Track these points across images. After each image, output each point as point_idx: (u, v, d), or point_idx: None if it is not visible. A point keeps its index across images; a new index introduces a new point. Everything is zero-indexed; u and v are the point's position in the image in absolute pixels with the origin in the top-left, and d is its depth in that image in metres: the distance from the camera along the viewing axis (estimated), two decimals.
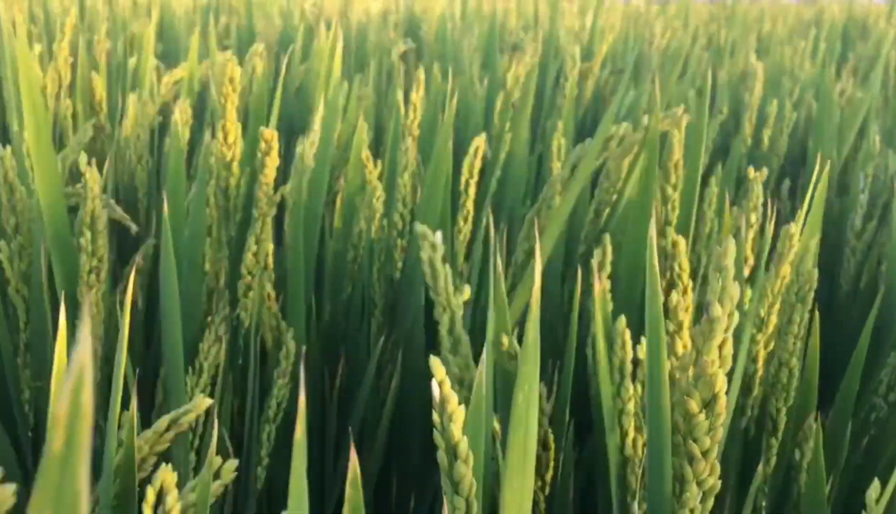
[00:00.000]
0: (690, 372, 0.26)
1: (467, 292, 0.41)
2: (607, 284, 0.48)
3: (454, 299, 0.39)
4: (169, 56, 1.31)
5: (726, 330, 0.25)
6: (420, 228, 0.36)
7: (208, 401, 0.28)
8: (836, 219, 0.84)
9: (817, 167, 0.46)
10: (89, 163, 0.47)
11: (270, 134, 0.45)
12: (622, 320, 0.45)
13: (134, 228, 0.56)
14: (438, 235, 0.36)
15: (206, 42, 1.07)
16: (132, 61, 0.87)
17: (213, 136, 0.49)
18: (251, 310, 0.52)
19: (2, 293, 0.52)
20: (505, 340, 0.39)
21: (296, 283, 0.56)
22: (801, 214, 0.46)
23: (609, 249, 0.48)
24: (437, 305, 0.38)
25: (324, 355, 0.66)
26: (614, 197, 0.65)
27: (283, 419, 0.53)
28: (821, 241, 0.83)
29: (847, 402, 0.47)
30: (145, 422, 0.38)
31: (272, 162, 0.46)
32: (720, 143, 0.97)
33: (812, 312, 0.49)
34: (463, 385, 0.42)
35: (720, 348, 0.26)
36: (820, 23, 2.49)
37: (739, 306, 0.45)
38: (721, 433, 0.29)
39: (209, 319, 0.53)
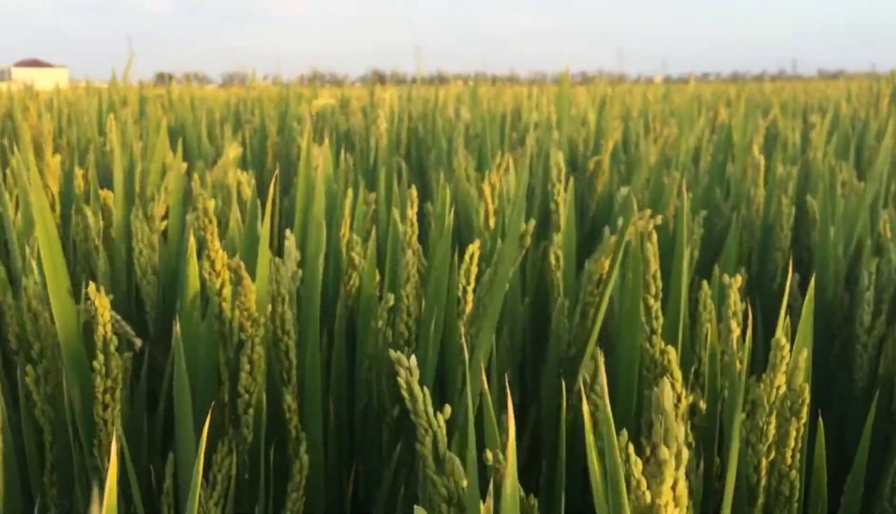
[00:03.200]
0: None
1: (448, 410, 0.41)
2: (601, 401, 0.48)
3: (434, 420, 0.39)
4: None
5: (677, 469, 0.25)
6: (393, 354, 0.37)
7: None
8: (847, 314, 0.83)
9: (810, 287, 0.47)
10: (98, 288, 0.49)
11: (236, 263, 0.47)
12: (624, 435, 0.44)
13: (138, 343, 0.58)
14: (413, 359, 0.37)
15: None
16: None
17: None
18: (252, 427, 0.53)
19: (30, 414, 0.54)
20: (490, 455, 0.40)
21: (313, 397, 0.57)
22: (782, 322, 0.46)
23: (602, 362, 0.48)
24: (419, 427, 0.39)
25: (339, 462, 0.67)
26: (598, 299, 0.65)
27: None
28: (833, 337, 0.83)
29: (852, 508, 0.46)
30: None
31: (247, 290, 0.48)
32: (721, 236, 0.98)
33: (815, 423, 0.48)
34: (451, 503, 0.42)
35: (673, 488, 0.26)
36: (830, 104, 2.52)
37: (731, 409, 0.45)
38: None
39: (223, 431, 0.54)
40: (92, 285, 0.48)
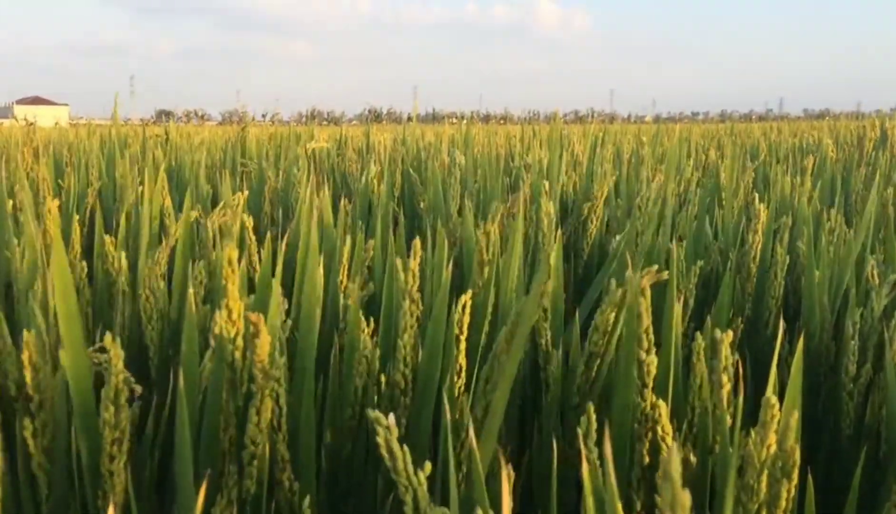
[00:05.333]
0: None
1: (428, 467, 0.42)
2: (595, 455, 0.49)
3: (414, 477, 0.40)
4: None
5: None
6: (371, 413, 0.38)
7: None
8: (833, 362, 0.84)
9: (799, 347, 0.48)
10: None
11: (256, 317, 0.48)
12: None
13: (139, 390, 0.59)
14: (391, 417, 0.38)
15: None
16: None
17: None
18: (256, 478, 0.53)
19: (26, 465, 0.54)
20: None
21: (306, 447, 0.58)
22: (772, 380, 0.47)
23: (593, 417, 0.49)
24: (399, 485, 0.40)
25: (332, 509, 0.67)
26: (603, 349, 0.67)
27: None
28: (820, 385, 0.84)
29: None
30: None
31: (263, 343, 0.49)
32: (714, 286, 1.00)
33: (805, 481, 0.49)
34: None
35: None
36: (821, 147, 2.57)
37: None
38: None
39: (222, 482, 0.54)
40: (108, 336, 0.48)
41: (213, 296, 0.78)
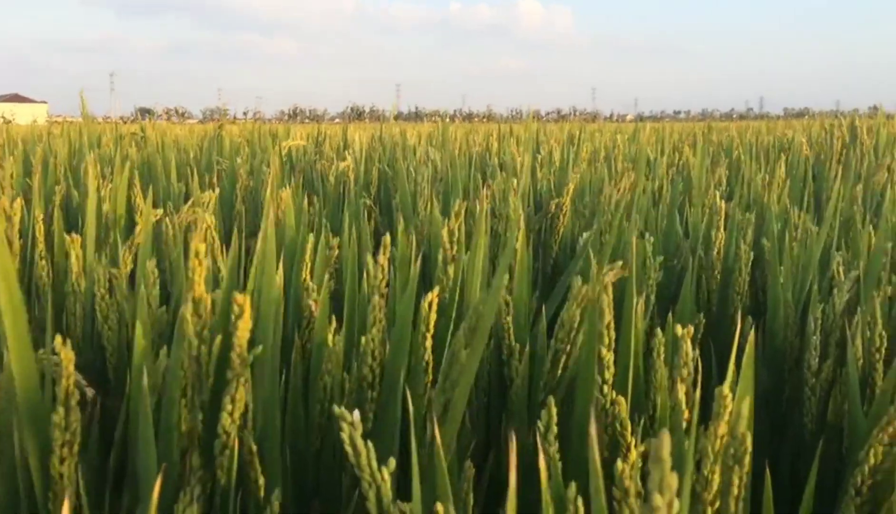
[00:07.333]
0: None
1: (392, 463, 0.42)
2: (554, 451, 0.49)
3: (378, 473, 0.40)
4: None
5: None
6: (336, 410, 0.38)
7: None
8: (798, 358, 0.85)
9: (751, 336, 0.48)
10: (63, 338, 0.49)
11: (242, 299, 0.47)
12: (573, 487, 0.45)
13: (90, 394, 0.58)
14: (356, 414, 0.38)
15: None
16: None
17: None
18: (227, 468, 0.52)
19: None
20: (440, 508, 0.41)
21: (272, 441, 0.57)
22: (730, 374, 0.48)
23: (553, 411, 0.49)
24: (363, 481, 0.40)
25: (297, 507, 0.67)
26: (569, 346, 0.67)
27: None
28: (784, 381, 0.85)
29: None
30: None
31: (245, 325, 0.47)
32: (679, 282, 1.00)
33: (762, 473, 0.49)
34: None
35: None
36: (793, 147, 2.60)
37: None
38: None
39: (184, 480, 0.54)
40: (58, 338, 0.47)
41: (172, 295, 0.77)
